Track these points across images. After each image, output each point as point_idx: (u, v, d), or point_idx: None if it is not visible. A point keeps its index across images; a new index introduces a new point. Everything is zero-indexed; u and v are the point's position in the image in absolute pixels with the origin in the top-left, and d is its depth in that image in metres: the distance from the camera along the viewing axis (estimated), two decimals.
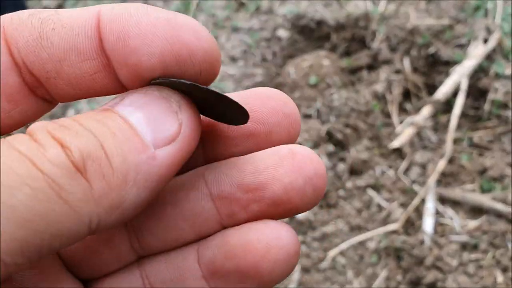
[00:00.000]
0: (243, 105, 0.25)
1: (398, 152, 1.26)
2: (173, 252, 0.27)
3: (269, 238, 0.25)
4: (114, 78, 0.24)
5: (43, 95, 0.25)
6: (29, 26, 0.24)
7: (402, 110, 1.35)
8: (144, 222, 0.27)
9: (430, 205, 1.14)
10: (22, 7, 0.97)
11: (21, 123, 0.25)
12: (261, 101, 0.27)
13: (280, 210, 0.26)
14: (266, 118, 0.27)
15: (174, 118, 0.23)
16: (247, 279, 0.25)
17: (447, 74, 1.36)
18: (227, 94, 0.26)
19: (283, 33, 1.50)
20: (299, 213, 0.26)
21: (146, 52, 0.23)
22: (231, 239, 0.26)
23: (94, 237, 0.27)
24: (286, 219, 0.81)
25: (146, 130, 0.22)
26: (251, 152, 0.27)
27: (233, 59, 1.46)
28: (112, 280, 0.28)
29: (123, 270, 0.28)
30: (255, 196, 0.26)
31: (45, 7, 1.60)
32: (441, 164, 1.19)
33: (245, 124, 0.26)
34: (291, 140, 0.27)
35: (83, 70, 0.24)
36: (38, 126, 0.21)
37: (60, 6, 1.63)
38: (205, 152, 0.28)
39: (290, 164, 0.25)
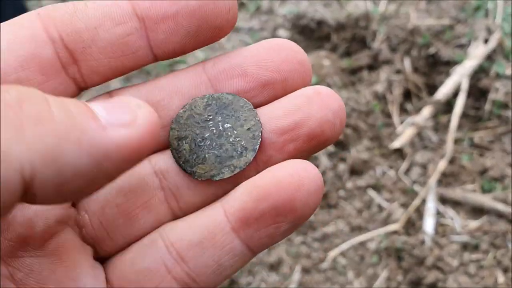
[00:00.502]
0: (256, 56, 0.28)
1: (399, 153, 1.25)
2: (197, 213, 0.28)
3: (300, 172, 0.26)
4: (146, 42, 0.26)
5: (74, 75, 0.27)
6: (63, 6, 0.26)
7: (403, 110, 1.35)
8: (183, 178, 0.28)
9: (431, 206, 1.14)
10: (21, 6, 0.97)
11: None
12: (274, 51, 0.28)
13: (315, 143, 0.27)
14: (280, 67, 0.28)
15: (131, 111, 0.23)
16: (281, 217, 0.26)
17: (447, 74, 1.35)
18: (240, 49, 0.28)
19: (283, 33, 1.50)
20: (329, 145, 0.28)
21: (183, 1, 0.26)
22: (261, 182, 0.26)
23: (131, 200, 0.28)
24: None
25: (102, 112, 0.22)
26: (268, 102, 0.28)
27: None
28: (134, 255, 0.28)
29: (144, 241, 0.28)
30: (292, 136, 0.27)
31: None
32: (442, 165, 1.18)
33: (261, 74, 0.28)
34: (305, 85, 0.28)
35: (117, 33, 0.26)
36: None
37: None
38: None
39: (319, 101, 0.27)
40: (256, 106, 0.28)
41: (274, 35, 1.49)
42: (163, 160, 0.29)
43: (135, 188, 0.28)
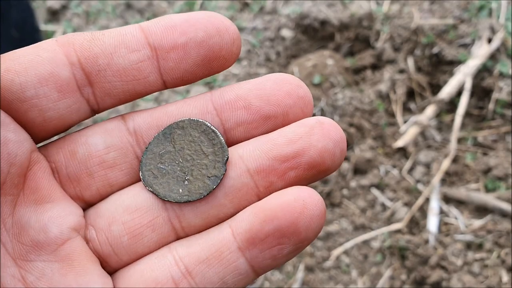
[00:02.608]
0: (260, 90, 0.29)
1: (402, 152, 1.25)
2: (205, 232, 0.29)
3: (305, 197, 0.27)
4: (156, 69, 0.29)
5: (88, 96, 0.29)
6: (81, 34, 0.29)
7: (406, 110, 1.35)
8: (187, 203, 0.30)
9: (435, 205, 1.14)
10: (27, 6, 0.97)
11: (63, 123, 0.29)
12: (277, 85, 0.29)
13: (315, 172, 0.29)
14: (282, 101, 0.29)
15: None
16: (285, 239, 0.28)
17: (451, 74, 1.35)
18: (246, 81, 0.30)
19: (286, 33, 1.50)
20: (329, 174, 0.29)
21: (192, 33, 0.28)
22: (267, 205, 0.28)
23: (136, 219, 0.29)
24: None
25: None
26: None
27: (237, 59, 1.46)
28: (143, 267, 0.29)
29: (154, 255, 0.29)
30: (292, 164, 0.28)
31: (49, 7, 1.61)
32: (445, 164, 1.18)
33: (264, 107, 0.29)
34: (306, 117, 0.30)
35: (131, 59, 0.28)
36: None
37: (64, 6, 1.64)
38: (227, 137, 0.30)
39: (320, 132, 0.28)
40: (259, 136, 0.30)
41: (277, 35, 1.50)
42: None
43: (140, 208, 0.30)
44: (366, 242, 1.12)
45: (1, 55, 0.28)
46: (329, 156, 0.28)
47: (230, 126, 0.30)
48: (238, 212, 0.29)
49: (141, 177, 0.30)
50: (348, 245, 1.11)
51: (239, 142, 0.30)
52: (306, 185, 0.29)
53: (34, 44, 0.28)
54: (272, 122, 0.29)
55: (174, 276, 0.29)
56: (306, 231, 0.28)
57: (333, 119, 1.28)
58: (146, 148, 0.30)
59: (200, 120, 0.30)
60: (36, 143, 0.29)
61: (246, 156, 0.29)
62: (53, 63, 0.28)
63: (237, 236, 0.28)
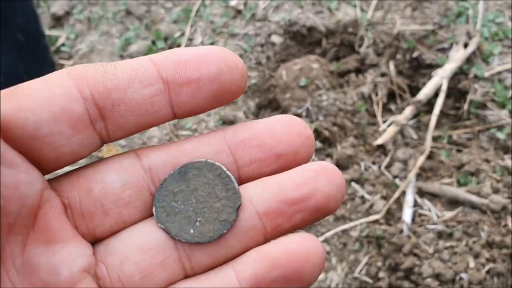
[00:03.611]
0: (272, 130, 0.31)
1: (382, 149, 1.34)
2: (211, 274, 0.30)
3: (309, 246, 0.29)
4: (168, 102, 0.29)
5: (100, 130, 0.29)
6: (93, 67, 0.29)
7: (387, 111, 1.44)
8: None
9: (410, 198, 1.23)
10: (32, 11, 1.04)
11: (75, 157, 0.29)
12: (288, 127, 0.31)
13: (319, 215, 0.30)
14: (293, 140, 0.31)
15: None
16: (288, 285, 0.29)
17: (430, 77, 1.44)
18: (258, 121, 0.32)
19: (276, 38, 1.59)
20: (329, 215, 0.32)
21: (205, 69, 0.29)
22: (273, 252, 0.29)
23: (149, 259, 0.30)
24: None
25: None
26: (278, 171, 0.31)
27: None
28: None
29: None
30: (300, 207, 0.30)
31: (53, 13, 1.71)
32: (421, 160, 1.27)
33: (277, 146, 0.31)
34: (310, 158, 0.31)
35: (144, 94, 0.29)
36: None
37: (68, 13, 1.73)
38: (239, 174, 0.31)
39: (325, 177, 0.30)
40: (269, 174, 0.31)
41: (268, 41, 1.59)
42: None
43: (152, 248, 0.30)
44: (345, 232, 1.20)
45: (13, 89, 0.28)
46: (333, 200, 0.30)
47: (244, 164, 0.31)
48: (245, 251, 0.30)
49: (154, 213, 0.30)
50: (328, 234, 1.19)
51: (251, 179, 0.31)
52: (309, 225, 0.31)
53: (45, 77, 0.28)
54: (283, 160, 0.30)
55: None
56: (309, 278, 0.29)
57: (318, 118, 1.37)
58: (161, 184, 0.30)
59: (216, 163, 0.31)
60: (45, 174, 0.29)
61: (256, 199, 0.30)
62: (67, 99, 0.28)
63: (242, 281, 0.29)
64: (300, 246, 0.29)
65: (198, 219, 0.30)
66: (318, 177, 0.30)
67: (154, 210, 0.30)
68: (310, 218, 0.30)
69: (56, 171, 0.30)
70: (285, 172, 0.30)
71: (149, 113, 0.29)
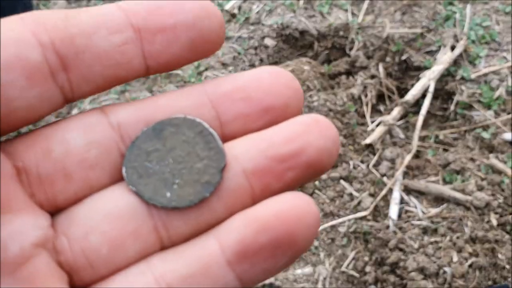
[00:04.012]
0: (258, 81, 0.27)
1: (370, 148, 1.38)
2: (190, 244, 0.26)
3: (301, 205, 0.25)
4: (140, 52, 0.26)
5: (62, 83, 0.25)
6: (51, 13, 0.25)
7: (376, 111, 1.48)
8: None
9: (396, 195, 1.27)
10: (32, 9, 1.09)
11: (32, 115, 0.25)
12: (275, 77, 0.27)
13: (312, 172, 0.26)
14: (282, 92, 0.27)
15: None
16: (280, 251, 0.25)
17: (418, 79, 1.48)
18: (241, 73, 0.28)
19: (269, 41, 1.64)
20: (323, 173, 0.27)
21: (182, 14, 0.25)
22: (260, 214, 0.25)
23: (118, 228, 0.26)
24: None
25: None
26: (266, 127, 0.27)
27: (224, 65, 1.60)
28: (118, 283, 0.25)
29: (130, 273, 0.26)
30: (291, 164, 0.26)
31: None
32: (408, 158, 1.31)
33: (264, 99, 0.27)
34: (299, 113, 0.28)
35: (113, 41, 0.25)
36: None
37: None
38: (222, 131, 0.27)
39: (317, 130, 0.26)
40: (256, 131, 0.27)
41: (261, 43, 1.63)
42: None
43: (123, 215, 0.26)
44: (334, 227, 1.24)
45: None
46: (327, 154, 0.26)
47: (227, 120, 0.27)
48: (230, 216, 0.26)
49: (123, 174, 0.26)
50: None
51: (235, 136, 0.27)
52: (300, 186, 0.27)
53: None
54: (272, 115, 0.27)
55: None
56: (302, 242, 0.25)
57: None
58: (133, 142, 0.26)
59: (197, 119, 0.27)
60: None
61: (242, 156, 0.26)
62: (20, 44, 0.23)
63: (226, 249, 0.25)
64: (292, 206, 0.25)
65: (176, 181, 0.26)
66: (310, 130, 0.26)
67: (124, 171, 0.26)
68: (302, 176, 0.26)
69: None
70: (274, 126, 0.27)
71: (119, 63, 0.25)
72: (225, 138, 0.27)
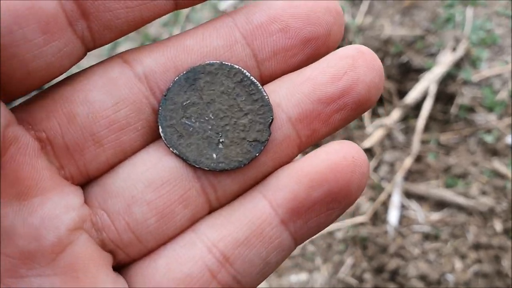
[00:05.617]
0: (295, 7, 0.23)
1: (369, 152, 1.33)
2: (237, 206, 0.25)
3: (353, 153, 0.24)
4: None
5: (82, 32, 0.22)
6: None
7: (375, 114, 1.44)
8: None
9: (396, 199, 1.22)
10: None
11: (52, 72, 0.22)
12: (313, 1, 0.24)
13: (360, 111, 0.25)
14: (323, 18, 0.24)
15: None
16: (336, 203, 0.24)
17: (418, 81, 1.44)
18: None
19: None
20: (367, 110, 0.26)
21: None
22: (311, 167, 0.24)
23: (165, 196, 0.24)
24: None
25: None
26: (309, 61, 0.25)
27: None
28: (168, 261, 0.24)
29: (179, 244, 0.24)
30: (339, 105, 0.24)
31: None
32: (408, 162, 1.26)
33: (304, 28, 0.24)
34: (340, 40, 0.25)
35: None
36: None
37: None
38: (260, 72, 0.25)
39: (364, 63, 0.24)
40: (295, 67, 0.25)
41: None
42: None
43: (168, 181, 0.24)
44: (331, 233, 1.19)
45: None
46: (375, 90, 0.24)
47: (265, 57, 0.24)
48: (276, 170, 0.25)
49: (161, 135, 0.24)
50: None
51: (274, 76, 0.25)
52: (344, 126, 0.25)
53: None
54: (313, 47, 0.24)
55: (210, 266, 0.23)
56: (357, 191, 0.24)
57: None
58: (165, 96, 0.24)
59: (235, 66, 0.24)
60: (13, 99, 0.22)
61: (286, 103, 0.24)
62: None
63: (278, 208, 0.24)
64: (343, 156, 0.24)
65: (221, 140, 0.24)
66: (357, 64, 0.24)
67: (161, 131, 0.24)
68: (349, 117, 0.25)
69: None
70: (314, 63, 0.24)
71: (144, 2, 0.22)
72: (264, 80, 0.25)
